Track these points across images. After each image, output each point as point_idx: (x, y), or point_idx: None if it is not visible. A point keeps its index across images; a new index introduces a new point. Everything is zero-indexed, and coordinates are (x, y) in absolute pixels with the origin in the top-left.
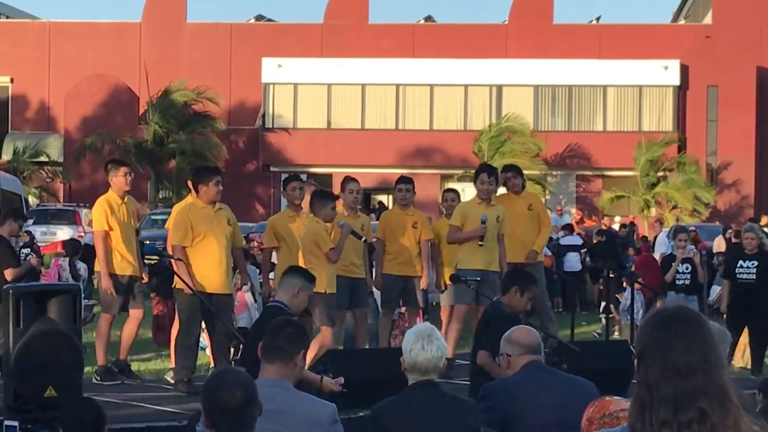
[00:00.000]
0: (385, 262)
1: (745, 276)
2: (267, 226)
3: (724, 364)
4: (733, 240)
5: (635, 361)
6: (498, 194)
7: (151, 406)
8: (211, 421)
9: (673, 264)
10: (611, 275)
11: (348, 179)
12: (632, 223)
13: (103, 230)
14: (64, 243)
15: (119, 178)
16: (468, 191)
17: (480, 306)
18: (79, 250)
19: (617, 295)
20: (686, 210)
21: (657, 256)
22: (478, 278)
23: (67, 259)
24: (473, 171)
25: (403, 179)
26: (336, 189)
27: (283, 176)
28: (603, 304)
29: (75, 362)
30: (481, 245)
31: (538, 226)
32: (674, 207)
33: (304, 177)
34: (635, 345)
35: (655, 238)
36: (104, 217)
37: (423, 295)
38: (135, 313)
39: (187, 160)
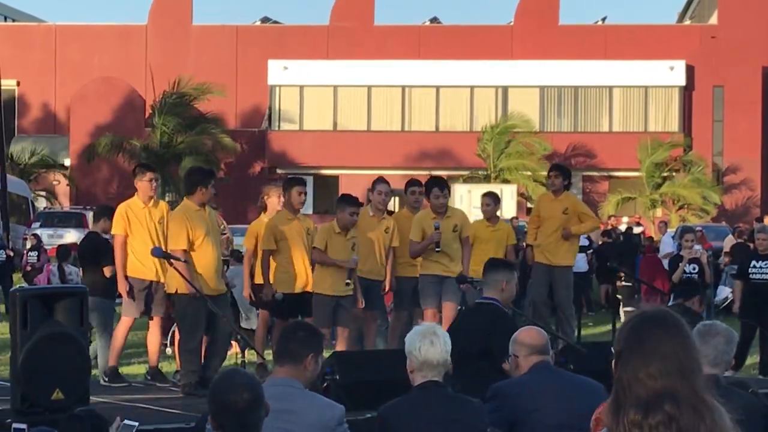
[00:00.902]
0: (396, 264)
1: (758, 276)
2: (266, 228)
3: (700, 369)
4: (738, 240)
5: (612, 361)
6: (540, 195)
7: (159, 408)
8: (218, 422)
9: (680, 264)
10: (623, 279)
11: (379, 180)
12: (638, 224)
13: (122, 235)
14: (57, 247)
15: (144, 183)
16: (474, 192)
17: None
18: (69, 255)
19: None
20: (695, 208)
21: (662, 257)
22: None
23: (57, 263)
24: (480, 172)
25: (415, 182)
26: (342, 191)
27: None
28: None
29: (82, 365)
30: (438, 251)
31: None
32: (680, 207)
33: (309, 179)
34: (614, 345)
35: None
36: (123, 221)
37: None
38: (158, 320)
39: (196, 162)
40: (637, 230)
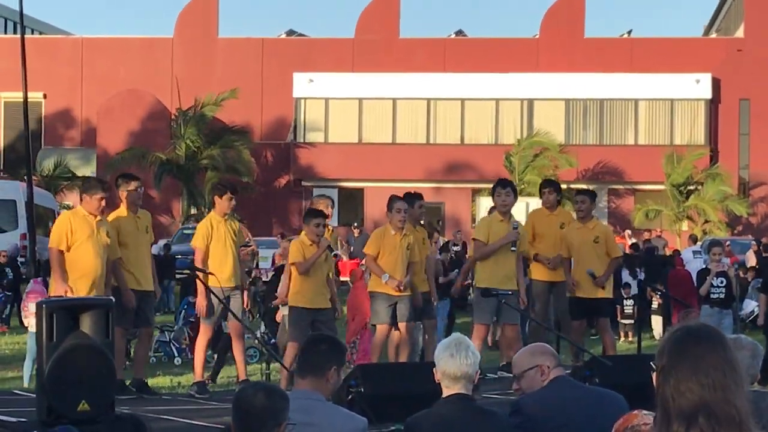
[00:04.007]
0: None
1: None
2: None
3: (742, 384)
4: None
5: (653, 374)
6: (534, 210)
7: (182, 420)
8: (236, 426)
9: (707, 278)
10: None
11: (394, 198)
12: (658, 237)
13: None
14: None
15: (131, 193)
16: None
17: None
18: None
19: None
20: (716, 223)
21: None
22: (509, 292)
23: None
24: None
25: (419, 195)
26: (367, 204)
27: (315, 192)
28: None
29: (108, 376)
30: (514, 251)
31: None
32: (706, 221)
33: (335, 192)
34: (655, 359)
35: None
36: (116, 232)
37: None
38: (144, 332)
39: (220, 175)
40: (656, 243)
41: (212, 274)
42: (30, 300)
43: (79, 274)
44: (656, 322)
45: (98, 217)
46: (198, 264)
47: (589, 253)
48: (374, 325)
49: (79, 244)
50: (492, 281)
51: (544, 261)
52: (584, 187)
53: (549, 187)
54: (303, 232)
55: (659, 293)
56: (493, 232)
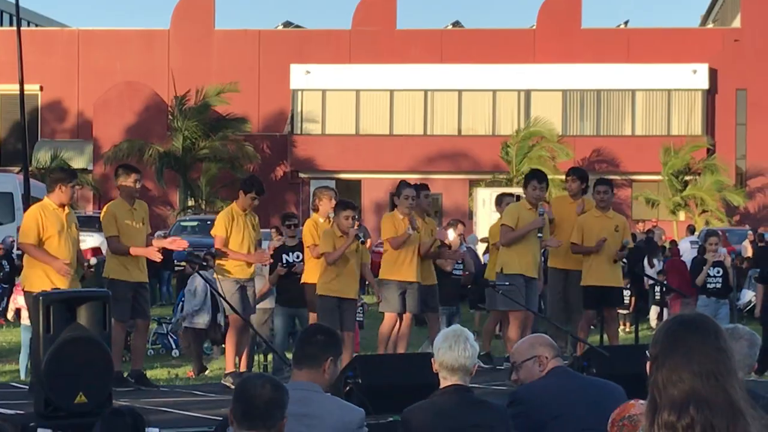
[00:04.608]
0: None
1: None
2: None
3: (736, 373)
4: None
5: (647, 363)
6: (556, 196)
7: (180, 411)
8: (238, 418)
9: (704, 267)
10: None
11: (402, 184)
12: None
13: (113, 236)
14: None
15: (129, 185)
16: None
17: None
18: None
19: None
20: (714, 212)
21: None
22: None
23: None
24: (501, 176)
25: (423, 186)
26: (365, 195)
27: (312, 183)
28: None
29: (105, 368)
30: (540, 236)
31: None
32: (703, 211)
33: (332, 183)
34: (649, 347)
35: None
36: (114, 222)
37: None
38: (140, 323)
39: (218, 167)
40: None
41: (206, 263)
42: (19, 293)
43: (52, 269)
44: (653, 312)
45: (67, 210)
46: (218, 247)
47: (610, 242)
48: (382, 313)
49: (51, 238)
50: (518, 267)
51: (578, 250)
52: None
53: (573, 174)
54: (318, 216)
55: (655, 283)
56: (522, 219)
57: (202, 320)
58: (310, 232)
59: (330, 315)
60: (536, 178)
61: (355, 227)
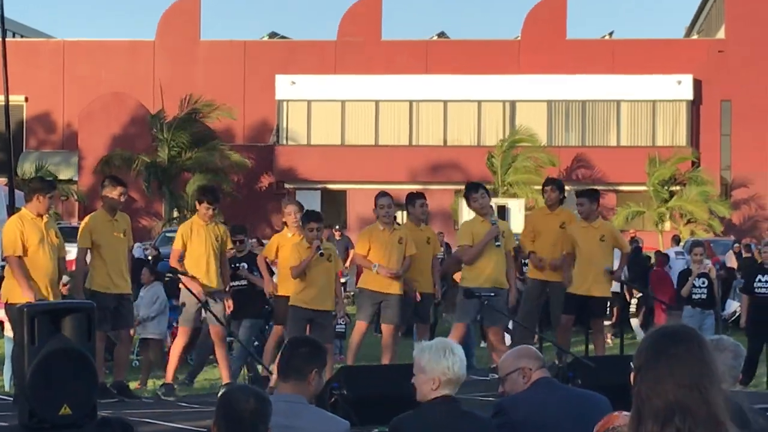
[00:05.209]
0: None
1: (764, 290)
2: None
3: (719, 384)
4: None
5: (631, 374)
6: (534, 209)
7: (164, 423)
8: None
9: (689, 278)
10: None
11: (379, 195)
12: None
13: (82, 247)
14: None
15: (114, 197)
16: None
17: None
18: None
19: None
20: (702, 223)
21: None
22: (492, 294)
23: None
24: (487, 186)
25: (419, 195)
26: (350, 206)
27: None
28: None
29: (90, 380)
30: (498, 245)
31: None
32: (689, 221)
33: (318, 194)
34: (633, 359)
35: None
36: (89, 233)
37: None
38: (124, 334)
39: (204, 177)
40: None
41: (193, 277)
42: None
43: (35, 278)
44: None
45: (45, 218)
46: (172, 263)
47: (596, 252)
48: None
49: (32, 248)
50: (477, 281)
51: (536, 260)
52: (567, 188)
53: (550, 185)
54: (287, 231)
55: (642, 294)
56: (477, 233)
57: (154, 330)
58: (270, 247)
59: (296, 326)
60: (473, 189)
61: (323, 239)
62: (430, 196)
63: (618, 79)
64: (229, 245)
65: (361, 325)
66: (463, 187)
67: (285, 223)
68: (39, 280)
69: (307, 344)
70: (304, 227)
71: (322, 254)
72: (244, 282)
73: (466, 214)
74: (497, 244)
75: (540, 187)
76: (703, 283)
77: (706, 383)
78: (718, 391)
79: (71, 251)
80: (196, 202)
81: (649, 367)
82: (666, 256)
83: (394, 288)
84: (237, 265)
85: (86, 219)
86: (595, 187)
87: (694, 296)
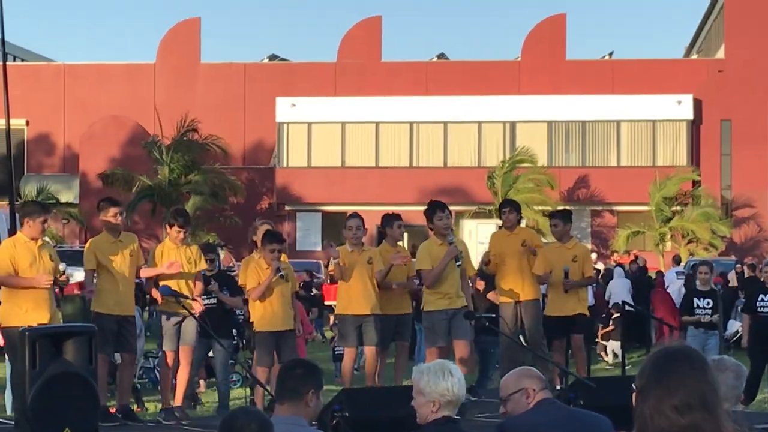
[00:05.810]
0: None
1: (766, 310)
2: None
3: (721, 404)
4: (747, 274)
5: (633, 395)
6: (493, 233)
7: None
8: None
9: (693, 298)
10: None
11: (349, 216)
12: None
13: (89, 269)
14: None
15: (109, 219)
16: (482, 228)
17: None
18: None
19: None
20: (703, 243)
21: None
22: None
23: None
24: (488, 207)
25: (396, 216)
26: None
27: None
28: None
29: (91, 404)
30: (459, 265)
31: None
32: (689, 241)
33: (318, 216)
34: (636, 379)
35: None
36: (93, 257)
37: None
38: (127, 357)
39: (204, 200)
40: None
41: (195, 299)
42: None
43: (30, 304)
44: (613, 346)
45: (39, 242)
46: (143, 275)
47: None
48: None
49: (22, 271)
50: (440, 303)
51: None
52: (568, 208)
53: (508, 207)
54: (255, 254)
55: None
56: (435, 256)
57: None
58: (241, 271)
59: (264, 350)
60: (438, 208)
61: (281, 260)
62: None
63: (618, 99)
64: (203, 265)
65: (350, 352)
66: (464, 208)
67: (255, 243)
68: (29, 302)
69: (302, 366)
70: (265, 248)
71: (282, 276)
72: (214, 300)
73: (467, 234)
74: (458, 264)
75: (542, 208)
76: (708, 303)
77: (709, 404)
78: (721, 411)
79: (74, 275)
80: (167, 225)
81: (652, 388)
82: (662, 275)
83: (370, 308)
84: (209, 283)
85: (89, 242)
86: (568, 208)
87: (698, 315)
